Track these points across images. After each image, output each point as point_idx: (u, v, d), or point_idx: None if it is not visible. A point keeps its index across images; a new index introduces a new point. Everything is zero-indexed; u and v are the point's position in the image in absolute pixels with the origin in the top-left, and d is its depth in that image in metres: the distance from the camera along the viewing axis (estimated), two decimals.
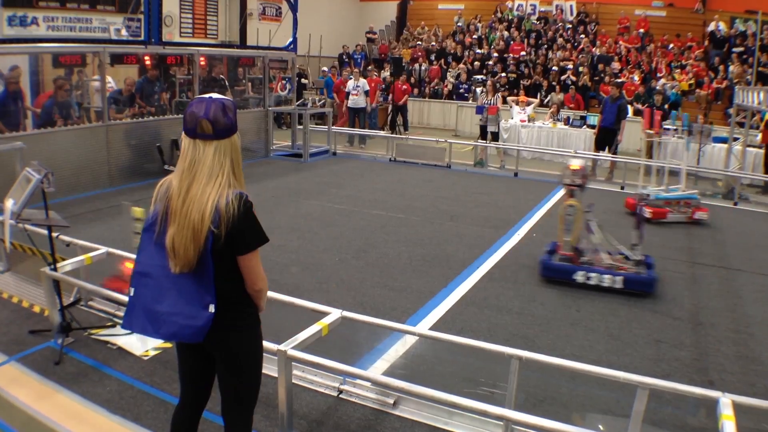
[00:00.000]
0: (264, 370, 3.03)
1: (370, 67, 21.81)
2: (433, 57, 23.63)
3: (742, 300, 6.64)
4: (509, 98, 17.62)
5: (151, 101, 11.66)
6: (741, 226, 9.91)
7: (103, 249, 5.42)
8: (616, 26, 22.79)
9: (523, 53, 22.10)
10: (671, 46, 21.00)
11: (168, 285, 2.64)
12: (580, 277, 6.66)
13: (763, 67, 18.02)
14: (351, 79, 17.51)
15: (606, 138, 13.72)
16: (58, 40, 10.17)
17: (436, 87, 22.14)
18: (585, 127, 16.21)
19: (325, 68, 20.91)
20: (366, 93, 17.36)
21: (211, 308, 2.61)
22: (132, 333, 5.12)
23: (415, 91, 21.61)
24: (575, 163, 6.98)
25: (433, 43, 24.47)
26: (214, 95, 2.66)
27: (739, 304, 6.52)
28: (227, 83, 13.77)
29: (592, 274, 6.61)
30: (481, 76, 20.95)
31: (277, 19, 20.70)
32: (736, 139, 13.57)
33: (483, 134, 14.98)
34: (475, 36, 24.23)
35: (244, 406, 2.93)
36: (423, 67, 22.89)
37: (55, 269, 4.95)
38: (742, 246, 8.70)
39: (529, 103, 17.23)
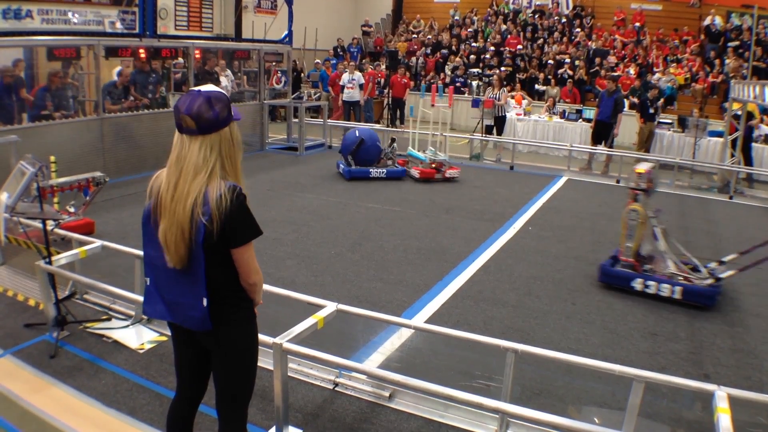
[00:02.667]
0: (259, 363, 3.02)
1: (365, 61, 21.76)
2: (428, 50, 23.58)
3: (737, 293, 6.65)
4: (505, 90, 17.61)
5: (144, 93, 11.61)
6: (736, 220, 9.93)
7: (98, 242, 5.40)
8: (612, 20, 22.76)
9: (519, 47, 22.05)
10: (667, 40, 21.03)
11: (171, 276, 2.65)
12: (638, 284, 6.42)
13: (759, 62, 18.03)
14: (346, 72, 17.46)
15: (602, 132, 13.74)
16: (53, 33, 10.11)
17: (432, 80, 22.09)
18: (581, 120, 16.22)
19: (318, 60, 20.85)
20: (361, 86, 17.33)
21: (204, 301, 2.61)
22: (130, 326, 5.15)
23: (411, 84, 21.57)
24: (641, 167, 6.64)
25: (429, 37, 24.42)
26: (204, 87, 2.61)
27: (734, 298, 6.53)
28: (218, 76, 13.71)
29: (651, 283, 6.36)
30: (477, 70, 20.93)
31: (273, 12, 20.59)
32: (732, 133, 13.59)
33: (488, 129, 14.98)
34: (470, 29, 24.20)
35: (239, 399, 2.92)
36: (419, 61, 22.84)
37: (50, 262, 4.93)
38: (737, 240, 8.72)
39: (524, 97, 17.29)
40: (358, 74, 17.56)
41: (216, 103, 2.55)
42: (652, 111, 14.53)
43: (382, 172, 11.54)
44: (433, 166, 11.55)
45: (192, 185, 2.52)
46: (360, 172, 11.44)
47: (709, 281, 6.27)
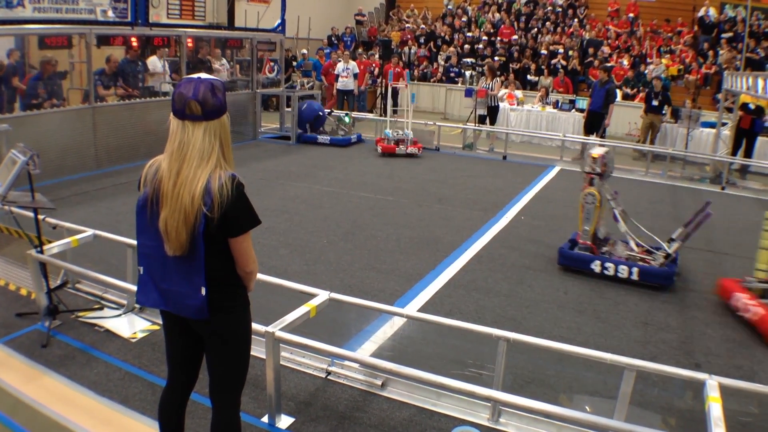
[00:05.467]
0: (252, 352, 3.02)
1: (360, 51, 21.68)
2: (422, 40, 23.51)
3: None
4: (498, 80, 17.57)
5: (134, 82, 11.53)
6: (728, 211, 9.96)
7: (89, 231, 5.38)
8: (605, 10, 22.73)
9: (513, 37, 22.01)
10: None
11: (168, 265, 2.66)
12: (596, 267, 6.55)
13: (752, 53, 18.05)
14: (340, 61, 17.40)
15: (595, 122, 13.75)
16: (44, 22, 10.04)
17: (425, 70, 22.05)
18: (573, 110, 16.23)
19: (305, 51, 20.76)
20: (355, 76, 17.28)
21: (203, 290, 2.61)
22: (122, 315, 5.15)
23: (404, 73, 21.49)
24: (596, 151, 6.74)
25: (423, 26, 24.34)
26: (203, 75, 2.62)
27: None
28: (212, 64, 13.63)
29: (609, 265, 6.49)
30: (471, 60, 20.88)
31: (266, 1, 20.47)
32: (724, 124, 13.61)
33: (481, 119, 14.94)
34: (464, 19, 24.14)
35: (233, 387, 2.92)
36: (412, 50, 22.78)
37: (41, 252, 4.92)
38: (728, 230, 8.76)
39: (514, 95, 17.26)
40: (352, 63, 17.51)
41: (218, 90, 2.59)
42: (656, 103, 14.29)
43: (327, 139, 13.83)
44: (394, 143, 13.14)
45: (198, 172, 2.53)
46: (310, 137, 13.85)
47: (662, 260, 6.44)
